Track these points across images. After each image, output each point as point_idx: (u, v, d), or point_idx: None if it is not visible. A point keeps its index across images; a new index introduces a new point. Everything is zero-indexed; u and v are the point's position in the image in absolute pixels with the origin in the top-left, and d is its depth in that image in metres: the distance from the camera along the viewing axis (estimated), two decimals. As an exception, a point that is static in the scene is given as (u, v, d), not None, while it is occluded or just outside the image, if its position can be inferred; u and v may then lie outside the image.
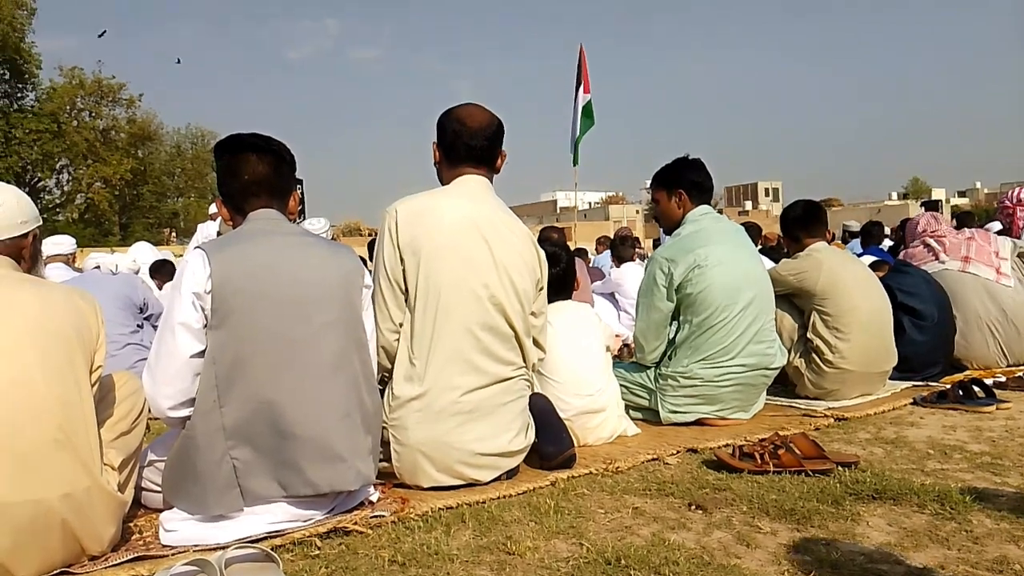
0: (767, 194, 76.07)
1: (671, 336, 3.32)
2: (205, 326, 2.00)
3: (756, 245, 6.76)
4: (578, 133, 11.58)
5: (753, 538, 1.99)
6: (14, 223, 1.93)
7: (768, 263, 5.00)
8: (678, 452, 2.81)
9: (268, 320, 2.03)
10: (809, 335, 3.62)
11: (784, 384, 3.77)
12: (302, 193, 13.15)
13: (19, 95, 38.70)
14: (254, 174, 2.19)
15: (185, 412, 2.03)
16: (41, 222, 2.05)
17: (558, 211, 60.64)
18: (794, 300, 3.73)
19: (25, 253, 1.98)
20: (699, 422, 3.23)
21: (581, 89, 11.61)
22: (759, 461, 2.53)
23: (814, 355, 3.60)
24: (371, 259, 2.55)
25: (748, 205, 66.06)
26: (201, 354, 2.00)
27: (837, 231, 11.03)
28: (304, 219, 12.07)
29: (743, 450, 2.60)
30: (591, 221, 47.27)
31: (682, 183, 3.42)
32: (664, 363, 3.30)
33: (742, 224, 7.21)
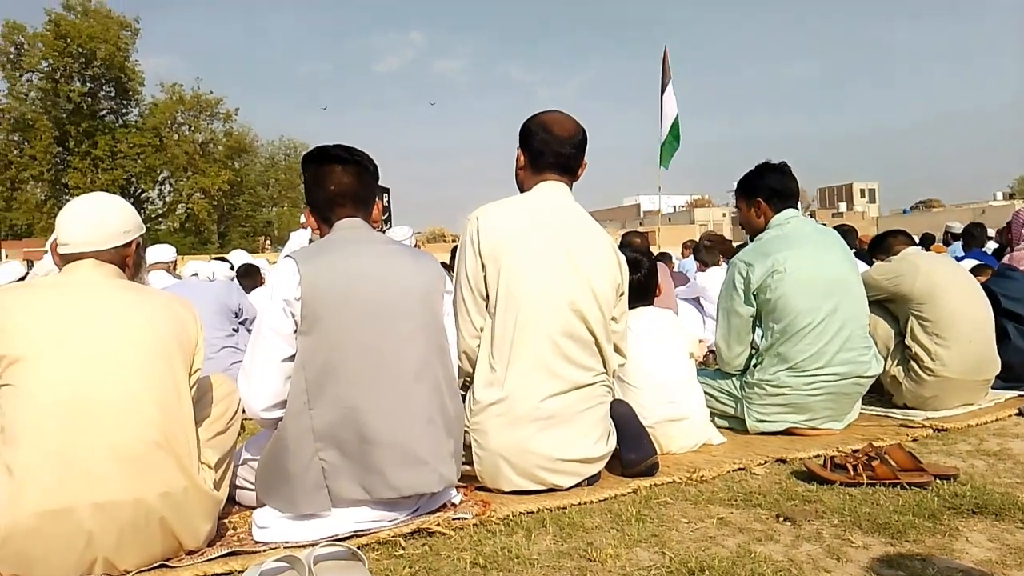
0: (863, 195, 73.12)
1: (756, 343, 3.24)
2: (295, 331, 2.07)
3: (852, 248, 6.52)
4: (666, 139, 11.42)
5: (844, 552, 1.92)
6: (119, 232, 2.04)
7: (863, 267, 4.84)
8: (766, 462, 2.74)
9: (354, 328, 2.09)
10: (907, 342, 3.47)
11: (879, 393, 3.62)
12: (388, 201, 13.44)
13: (124, 111, 41.03)
14: (339, 185, 2.26)
15: (277, 413, 2.10)
16: (144, 231, 2.17)
17: (641, 215, 60.01)
18: (889, 306, 3.59)
19: (129, 261, 2.09)
20: (788, 432, 3.14)
21: (670, 90, 11.48)
22: (852, 473, 2.44)
23: (912, 363, 3.45)
24: (453, 266, 2.59)
25: (843, 207, 63.69)
26: (292, 358, 2.08)
27: (938, 233, 10.54)
28: (390, 227, 12.33)
29: (835, 461, 2.52)
30: (676, 225, 46.61)
31: (760, 191, 3.36)
32: (750, 371, 3.22)
33: (836, 227, 7.00)
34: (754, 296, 3.17)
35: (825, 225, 3.71)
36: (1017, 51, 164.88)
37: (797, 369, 3.09)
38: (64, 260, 2.02)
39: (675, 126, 11.37)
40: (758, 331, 3.24)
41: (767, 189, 3.34)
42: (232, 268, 6.05)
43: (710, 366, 4.14)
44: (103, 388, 1.83)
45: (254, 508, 2.19)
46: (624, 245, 5.67)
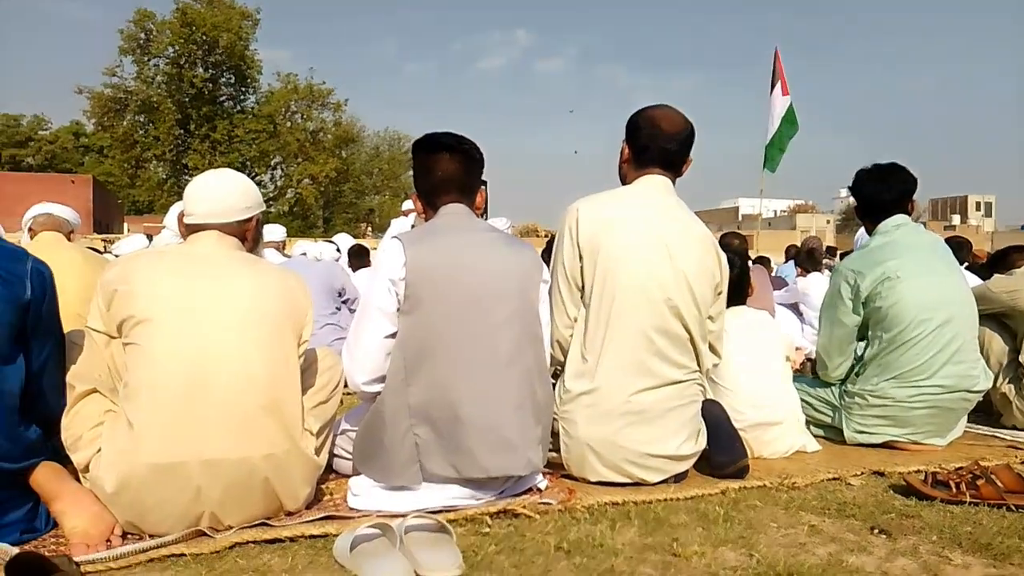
0: (978, 208, 69.10)
1: (859, 353, 3.14)
2: (398, 310, 2.15)
3: (964, 262, 6.21)
4: (777, 137, 11.08)
5: (942, 570, 1.85)
6: (241, 207, 2.17)
7: (976, 281, 4.60)
8: (862, 473, 2.66)
9: (452, 311, 2.15)
10: (1022, 359, 3.29)
11: (987, 412, 3.45)
12: (486, 194, 13.64)
13: (241, 98, 42.90)
14: (446, 171, 2.32)
15: (377, 388, 2.19)
16: (264, 207, 2.29)
17: (740, 218, 58.50)
18: (1005, 321, 3.41)
19: (249, 235, 2.22)
20: (887, 445, 3.03)
21: (778, 91, 11.15)
22: (954, 490, 2.34)
23: (1025, 382, 3.27)
24: (548, 259, 2.61)
25: (956, 219, 60.37)
26: (393, 336, 2.16)
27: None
28: (487, 218, 12.46)
29: (937, 477, 2.42)
30: (776, 230, 45.24)
31: (858, 201, 3.31)
32: (851, 380, 3.12)
33: (948, 239, 6.67)
34: (863, 305, 3.07)
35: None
36: None
37: (902, 380, 2.98)
38: (189, 230, 2.16)
39: (783, 129, 11.00)
40: (862, 341, 3.14)
41: (863, 199, 3.27)
42: (338, 250, 6.27)
43: (806, 373, 4.04)
44: (219, 352, 1.95)
45: (350, 476, 2.29)
46: (722, 246, 5.56)
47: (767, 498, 2.39)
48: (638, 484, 2.42)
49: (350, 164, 46.17)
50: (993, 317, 3.42)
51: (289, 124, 42.74)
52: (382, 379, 2.17)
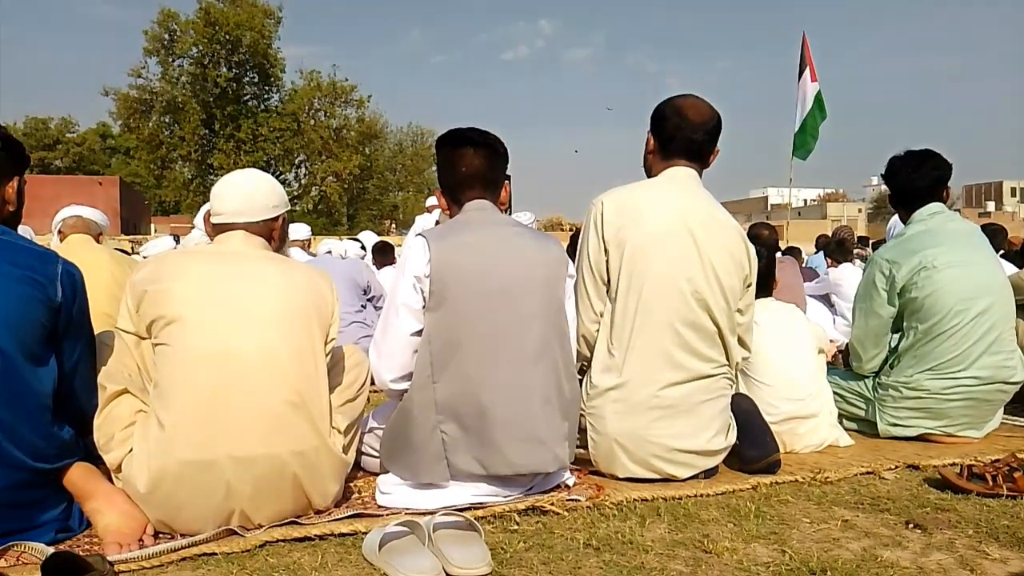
0: (1013, 194, 67.74)
1: (893, 344, 3.09)
2: (424, 307, 2.15)
3: (1000, 249, 6.10)
4: (807, 125, 10.92)
5: (979, 564, 1.81)
6: (268, 206, 2.18)
7: (1012, 269, 4.51)
8: (896, 467, 2.61)
9: (479, 307, 2.14)
10: (1059, 350, 3.22)
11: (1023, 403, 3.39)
12: (510, 188, 13.63)
13: (265, 96, 43.25)
14: (470, 167, 2.31)
15: (404, 385, 2.19)
16: (289, 207, 2.30)
17: (769, 208, 57.94)
18: (1042, 310, 3.33)
19: (275, 234, 2.23)
20: (921, 438, 2.98)
21: (806, 77, 11.00)
22: (991, 483, 2.29)
23: (1064, 372, 3.19)
24: (574, 253, 2.60)
25: (991, 206, 59.20)
26: (419, 333, 2.16)
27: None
28: (511, 212, 12.45)
29: (972, 470, 2.37)
30: (805, 219, 44.74)
31: (891, 189, 3.26)
32: (885, 372, 3.08)
33: (983, 226, 6.54)
34: (898, 295, 3.02)
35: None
36: None
37: (937, 371, 2.93)
38: (217, 230, 2.18)
39: (813, 116, 10.83)
40: (896, 332, 3.09)
41: (896, 186, 3.22)
42: (363, 248, 6.29)
43: (839, 366, 3.98)
44: (248, 350, 1.96)
45: (378, 474, 2.30)
46: (752, 237, 5.50)
47: (799, 493, 2.36)
48: (667, 480, 2.40)
49: (374, 160, 46.31)
50: (1030, 306, 3.35)
51: (313, 122, 42.98)
52: (409, 376, 2.17)
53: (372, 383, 2.31)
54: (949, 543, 1.95)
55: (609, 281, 2.49)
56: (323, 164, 43.21)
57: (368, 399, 2.38)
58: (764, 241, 5.33)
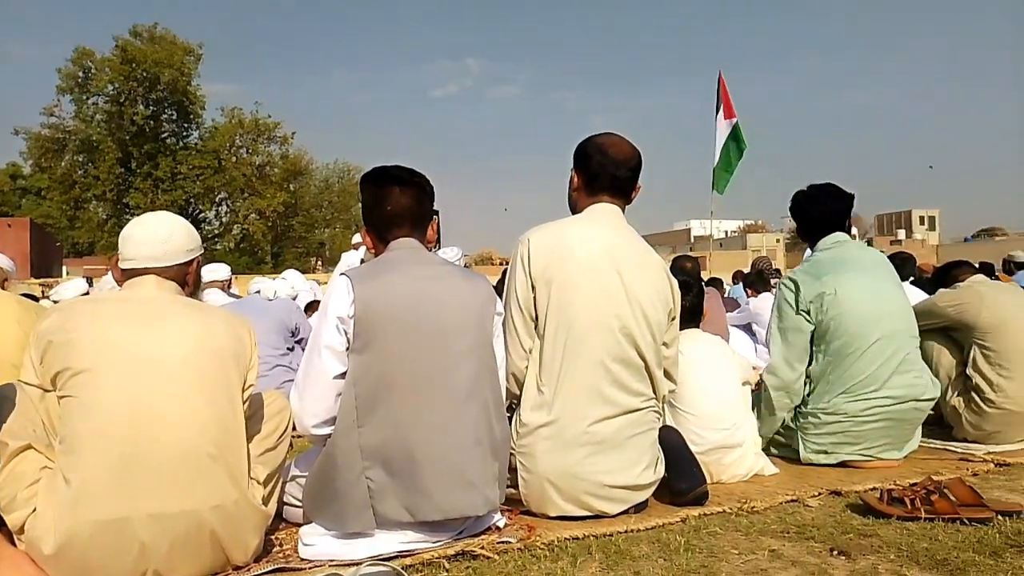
0: (923, 222, 71.30)
1: (809, 371, 3.16)
2: (348, 349, 2.10)
3: (910, 276, 6.37)
4: (724, 159, 11.31)
5: (902, 590, 1.85)
6: (182, 250, 2.10)
7: (922, 295, 4.71)
8: (820, 494, 2.66)
9: (406, 347, 2.10)
10: (969, 372, 3.36)
11: (940, 426, 3.51)
12: (439, 224, 13.60)
13: (185, 134, 42.45)
14: (396, 205, 2.28)
15: (327, 430, 2.13)
16: (203, 250, 2.23)
17: (692, 240, 59.45)
18: (952, 334, 3.48)
19: (189, 279, 2.15)
20: (844, 464, 3.05)
21: (722, 114, 11.40)
22: (910, 507, 2.36)
23: (974, 394, 3.33)
24: (503, 289, 2.59)
25: (901, 234, 62.14)
26: (343, 375, 2.10)
27: (998, 262, 10.22)
28: (439, 248, 12.41)
29: (892, 494, 2.44)
30: (727, 251, 46.03)
31: (797, 222, 3.40)
32: (804, 400, 3.15)
33: (894, 254, 6.83)
34: (806, 317, 3.11)
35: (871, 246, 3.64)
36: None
37: (852, 394, 3.02)
38: (126, 276, 2.08)
39: (731, 151, 11.23)
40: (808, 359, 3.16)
41: (802, 219, 3.36)
42: (293, 288, 6.15)
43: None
44: (162, 401, 1.87)
45: (301, 525, 2.21)
46: (675, 269, 5.61)
47: (727, 524, 2.37)
48: (599, 516, 2.39)
49: (299, 197, 45.80)
50: (941, 331, 3.50)
51: (235, 159, 42.31)
52: (333, 421, 2.11)
53: (294, 429, 2.24)
54: (873, 568, 1.98)
55: (537, 318, 2.49)
56: (246, 202, 42.47)
57: (291, 445, 2.30)
58: (690, 273, 5.45)
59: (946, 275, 3.80)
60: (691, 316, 3.07)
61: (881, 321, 3.05)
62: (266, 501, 2.07)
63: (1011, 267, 9.29)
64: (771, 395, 3.16)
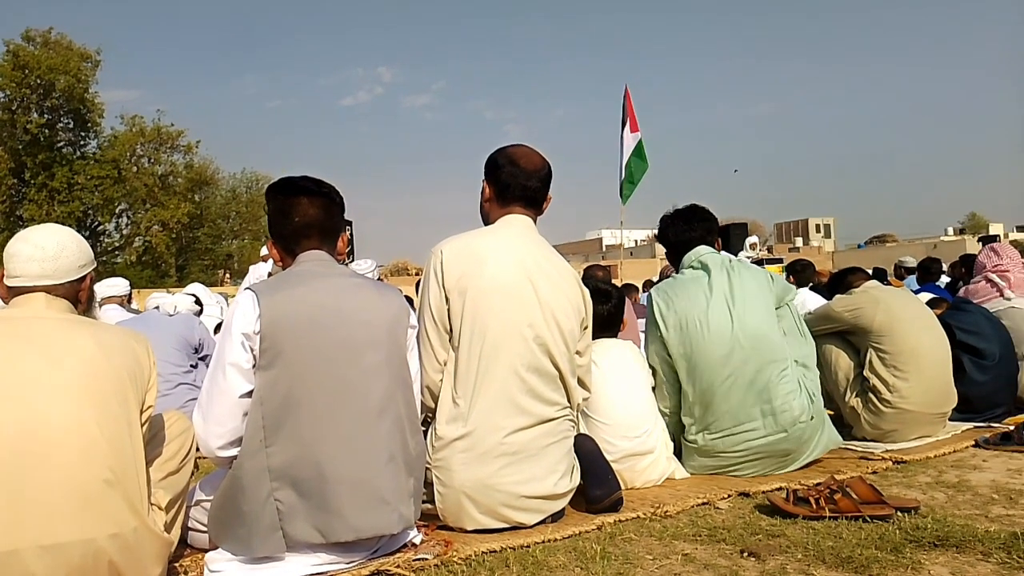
0: (819, 230, 74.76)
1: (671, 408, 3.12)
2: (254, 366, 2.02)
3: (810, 282, 6.63)
4: (628, 172, 11.58)
5: (809, 588, 1.91)
6: (74, 267, 1.99)
7: (820, 300, 4.90)
8: (729, 496, 2.73)
9: (317, 362, 2.04)
10: (866, 373, 3.51)
11: (840, 425, 3.65)
12: (351, 234, 13.39)
13: (82, 143, 40.34)
14: (305, 216, 2.23)
15: (233, 451, 2.05)
16: (95, 265, 2.11)
17: (604, 249, 60.51)
18: (849, 338, 3.63)
19: (82, 296, 2.03)
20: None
21: (627, 127, 11.67)
22: (815, 506, 2.44)
23: (871, 395, 3.49)
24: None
25: (799, 242, 64.95)
26: (250, 394, 2.03)
27: (890, 267, 10.78)
28: (353, 259, 12.24)
29: (798, 495, 2.52)
30: (637, 259, 47.01)
31: (665, 245, 3.41)
32: (681, 431, 3.11)
33: (793, 262, 7.08)
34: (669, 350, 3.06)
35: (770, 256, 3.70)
36: (963, 94, 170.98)
37: (717, 431, 2.99)
38: (13, 293, 1.95)
39: (633, 164, 11.52)
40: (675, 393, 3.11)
41: (667, 243, 3.37)
42: (197, 303, 5.93)
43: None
44: (53, 425, 1.76)
45: (207, 550, 2.12)
46: (588, 278, 5.67)
47: (642, 529, 2.40)
48: (516, 528, 2.38)
49: (205, 208, 44.26)
50: (838, 335, 3.64)
51: (136, 168, 40.54)
52: (239, 442, 2.03)
53: (199, 450, 2.14)
54: (781, 569, 2.04)
55: (452, 330, 2.46)
56: (148, 213, 40.74)
57: (197, 467, 2.21)
58: (605, 280, 5.52)
59: (841, 281, 3.97)
60: (609, 325, 3.11)
61: (738, 351, 2.95)
62: (168, 528, 1.97)
63: (902, 272, 9.81)
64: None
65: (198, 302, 5.40)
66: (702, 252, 3.24)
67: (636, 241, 66.37)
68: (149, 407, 1.95)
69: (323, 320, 2.07)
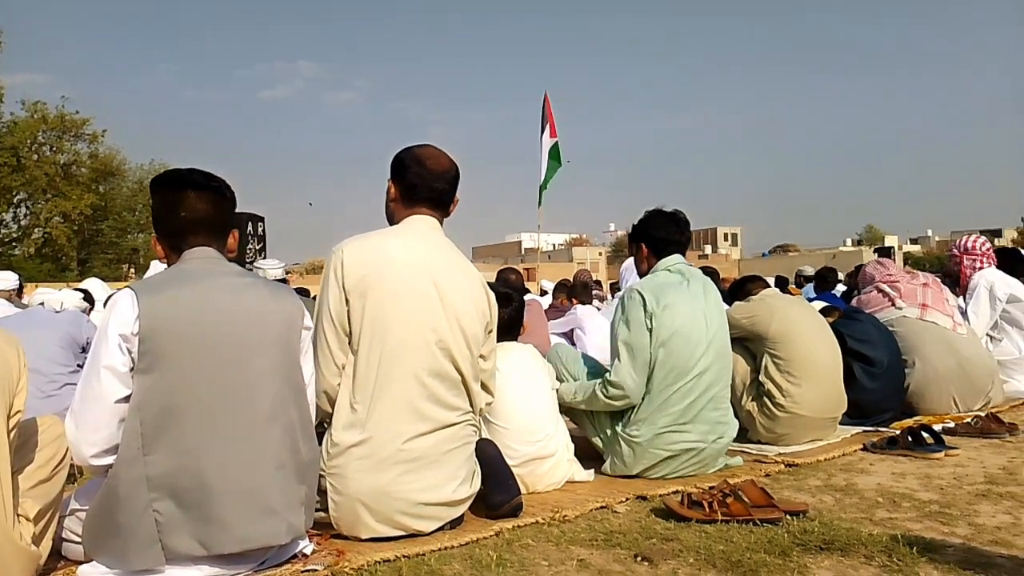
0: (726, 239, 77.47)
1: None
2: (132, 370, 1.92)
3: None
4: (545, 175, 11.73)
5: (697, 592, 1.94)
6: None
7: (724, 307, 5.02)
8: (627, 500, 2.76)
9: (202, 366, 1.95)
10: (761, 379, 3.62)
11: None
12: (263, 230, 13.03)
13: (-24, 129, 38.09)
14: (192, 211, 2.12)
15: (109, 460, 1.94)
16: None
17: (523, 252, 60.90)
18: (747, 344, 3.73)
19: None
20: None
21: (547, 133, 11.79)
22: (708, 510, 2.49)
23: (766, 399, 3.59)
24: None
25: (708, 249, 67.05)
26: (127, 399, 1.92)
27: (792, 276, 11.20)
28: (264, 256, 11.91)
29: (692, 498, 2.56)
30: (555, 262, 47.50)
31: (642, 236, 3.37)
32: (619, 423, 3.15)
33: (700, 268, 7.26)
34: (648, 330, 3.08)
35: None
36: (863, 110, 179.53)
37: (661, 426, 3.04)
38: None
39: (555, 149, 11.69)
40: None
41: (648, 236, 3.35)
42: (85, 299, 5.64)
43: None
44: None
45: (82, 563, 2.00)
46: (500, 281, 5.68)
47: (540, 535, 2.40)
48: (413, 536, 2.34)
49: (110, 200, 42.40)
50: (736, 341, 3.72)
51: (36, 157, 38.53)
52: (115, 450, 1.92)
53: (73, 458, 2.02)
54: (673, 573, 2.07)
55: (351, 333, 2.40)
56: (48, 203, 38.77)
57: (74, 477, 2.09)
58: (513, 285, 5.53)
59: (740, 289, 4.08)
60: (509, 329, 3.10)
61: (704, 356, 3.07)
62: (37, 540, 1.87)
63: (801, 280, 10.20)
64: (608, 401, 3.12)
65: (88, 298, 5.15)
66: (680, 260, 3.31)
67: (554, 245, 67.15)
68: (18, 412, 1.84)
69: (209, 321, 1.99)
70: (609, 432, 3.19)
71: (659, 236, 3.33)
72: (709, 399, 3.10)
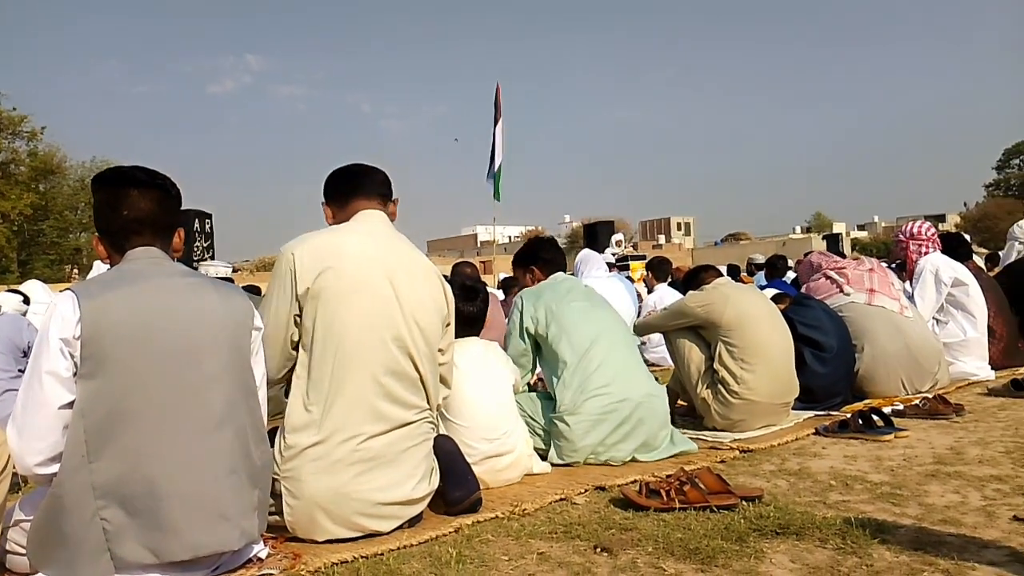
0: (679, 228, 78.43)
1: (551, 385, 3.32)
2: (75, 375, 1.85)
3: (668, 278, 6.91)
4: (499, 172, 11.71)
5: (657, 581, 1.95)
6: None
7: (677, 295, 5.09)
8: (586, 490, 2.77)
9: (148, 369, 1.90)
10: (715, 366, 3.66)
11: (692, 416, 3.79)
12: (211, 227, 12.77)
13: (-94, 126, 36.69)
14: (135, 210, 2.06)
15: (53, 468, 1.87)
16: None
17: (479, 245, 60.88)
18: (701, 332, 3.78)
19: None
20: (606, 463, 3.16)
21: (499, 124, 11.75)
22: (665, 498, 2.51)
23: (720, 386, 3.64)
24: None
25: (662, 239, 67.80)
26: (71, 405, 1.86)
27: (744, 264, 11.38)
28: (211, 254, 11.68)
29: (650, 487, 2.58)
30: (511, 254, 47.62)
31: (534, 260, 3.68)
32: (554, 407, 3.23)
33: (653, 258, 7.39)
34: (529, 335, 3.38)
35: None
36: (808, 102, 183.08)
37: (586, 393, 3.15)
38: None
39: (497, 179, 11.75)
40: (546, 370, 3.38)
41: (540, 260, 3.67)
42: (25, 301, 5.47)
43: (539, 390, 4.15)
44: None
45: (27, 575, 1.94)
46: (456, 275, 5.65)
47: (500, 529, 2.39)
48: (371, 536, 2.31)
49: (50, 199, 41.20)
50: (691, 329, 3.78)
51: (-29, 155, 37.27)
52: (60, 458, 1.85)
53: (15, 467, 1.94)
54: (632, 563, 2.07)
55: (302, 332, 2.35)
56: (-14, 203, 37.53)
57: (20, 487, 2.01)
58: (473, 278, 5.50)
59: (694, 278, 4.13)
60: (472, 324, 3.08)
61: (595, 331, 3.30)
62: (-22, 554, 1.78)
63: (752, 268, 10.37)
64: None
65: (27, 301, 4.99)
66: (562, 277, 3.61)
67: (510, 237, 67.17)
68: (-47, 422, 1.76)
69: (155, 324, 1.93)
70: (545, 421, 3.25)
71: (547, 258, 3.69)
72: (622, 364, 3.27)
